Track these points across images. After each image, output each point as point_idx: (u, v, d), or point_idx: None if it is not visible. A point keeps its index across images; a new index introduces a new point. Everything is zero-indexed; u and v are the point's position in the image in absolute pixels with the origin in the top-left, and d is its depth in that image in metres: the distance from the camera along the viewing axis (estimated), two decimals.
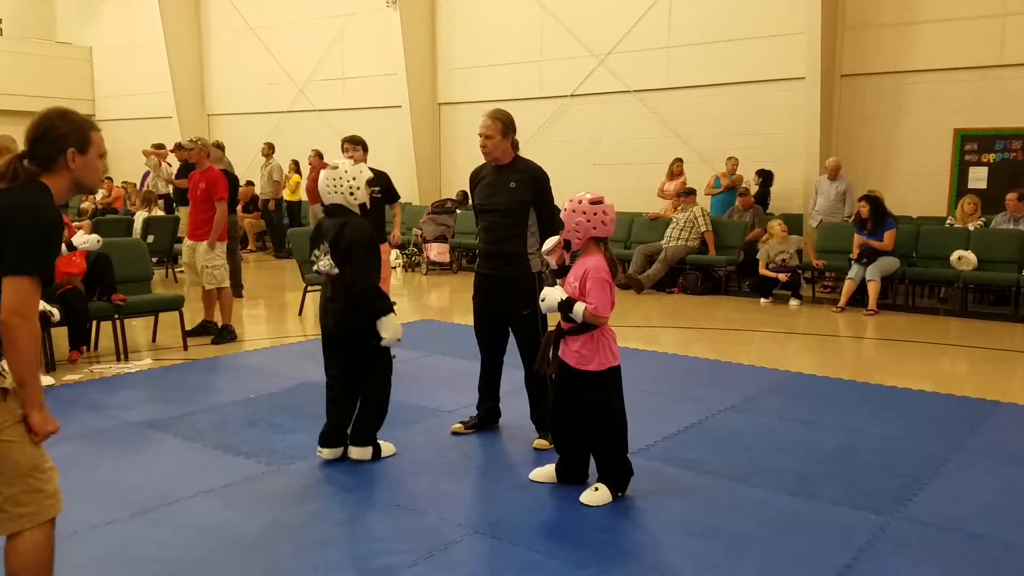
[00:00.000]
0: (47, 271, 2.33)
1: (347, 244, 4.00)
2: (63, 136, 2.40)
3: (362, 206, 4.17)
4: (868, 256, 8.94)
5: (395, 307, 4.14)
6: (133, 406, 5.23)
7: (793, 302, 9.45)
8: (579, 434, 3.73)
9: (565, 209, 3.62)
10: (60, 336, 6.50)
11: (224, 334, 7.32)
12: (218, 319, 7.44)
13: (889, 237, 8.95)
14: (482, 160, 4.57)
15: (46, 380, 5.60)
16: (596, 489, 3.65)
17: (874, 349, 7.50)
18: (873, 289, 8.80)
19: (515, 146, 4.49)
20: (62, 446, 4.37)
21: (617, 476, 3.66)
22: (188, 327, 7.19)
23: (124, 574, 3.05)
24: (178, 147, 11.16)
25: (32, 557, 2.35)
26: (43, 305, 5.66)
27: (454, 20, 14.35)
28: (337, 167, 4.15)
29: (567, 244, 3.69)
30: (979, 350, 7.21)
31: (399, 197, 6.84)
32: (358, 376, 4.15)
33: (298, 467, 4.14)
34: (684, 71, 12.11)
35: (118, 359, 6.52)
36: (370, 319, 4.01)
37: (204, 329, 7.45)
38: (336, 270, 4.06)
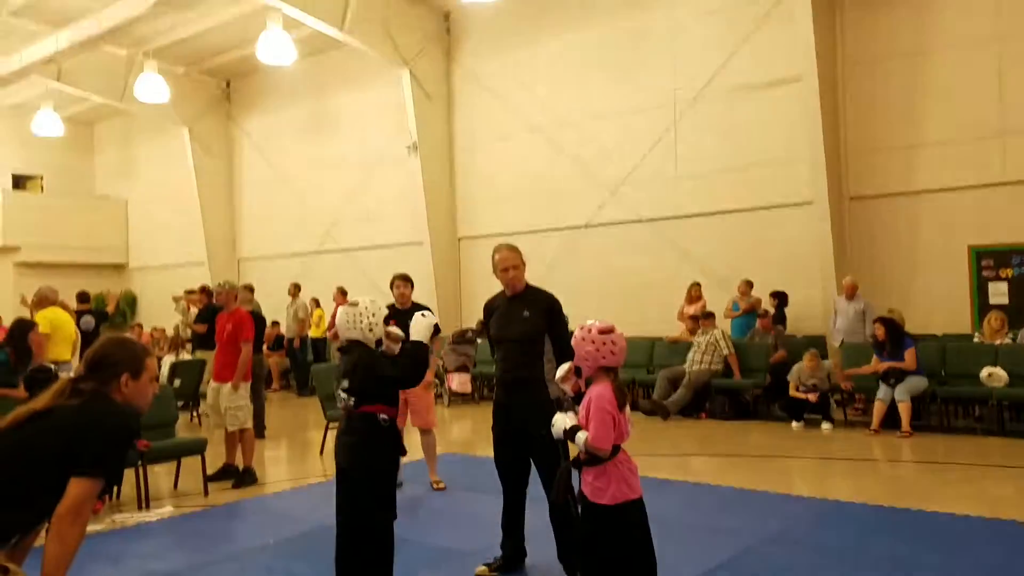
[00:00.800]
0: (113, 477, 2.45)
1: (366, 379, 4.02)
2: (118, 363, 2.60)
3: (378, 342, 4.21)
4: (895, 376, 8.80)
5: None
6: (154, 556, 5.15)
7: (825, 425, 9.24)
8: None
9: (575, 337, 3.63)
10: None
11: (245, 477, 7.26)
12: (239, 462, 7.40)
13: (910, 356, 8.83)
14: (498, 290, 4.67)
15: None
16: None
17: (913, 473, 7.24)
18: (904, 410, 8.60)
19: None
20: None
21: None
22: (209, 471, 7.14)
23: None
24: (202, 291, 11.52)
25: None
26: None
27: (471, 161, 14.98)
28: (356, 303, 4.22)
29: (578, 371, 3.69)
30: (1022, 470, 6.93)
31: (440, 331, 6.97)
32: (368, 520, 4.03)
33: None
34: (693, 199, 12.41)
35: (139, 507, 6.45)
36: (381, 453, 3.94)
37: (226, 473, 7.40)
38: (352, 400, 4.06)
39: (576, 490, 3.58)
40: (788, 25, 11.19)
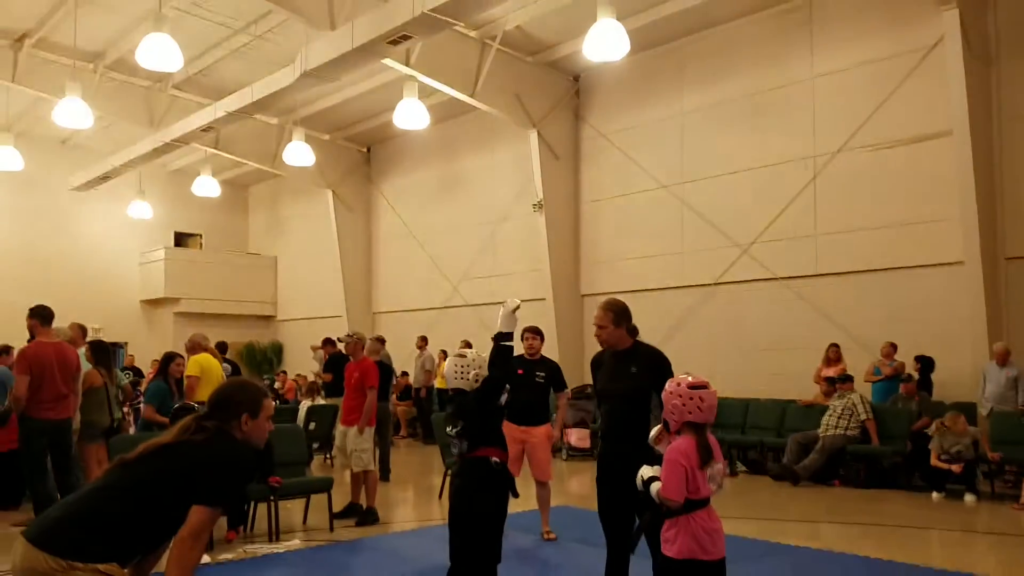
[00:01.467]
0: (230, 503, 2.72)
1: (467, 410, 4.25)
2: (239, 403, 2.86)
3: None
4: None
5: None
6: None
7: (969, 497, 8.57)
8: None
9: (665, 390, 3.61)
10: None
11: (368, 516, 7.55)
12: (363, 501, 7.71)
13: None
14: None
15: (203, 559, 5.96)
16: None
17: None
18: None
19: (632, 332, 4.63)
20: None
21: None
22: (336, 509, 7.48)
23: None
24: (325, 343, 12.19)
25: None
26: None
27: (597, 218, 15.15)
28: (464, 355, 4.43)
29: (667, 425, 3.68)
30: None
31: (566, 387, 7.14)
32: (473, 561, 4.14)
33: None
34: (833, 258, 11.98)
35: (270, 539, 6.84)
36: (489, 495, 4.04)
37: (351, 511, 7.72)
38: (465, 444, 4.23)
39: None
40: (939, 77, 10.69)
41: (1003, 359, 9.72)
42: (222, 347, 12.59)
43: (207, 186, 19.05)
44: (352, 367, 8.10)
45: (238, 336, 22.22)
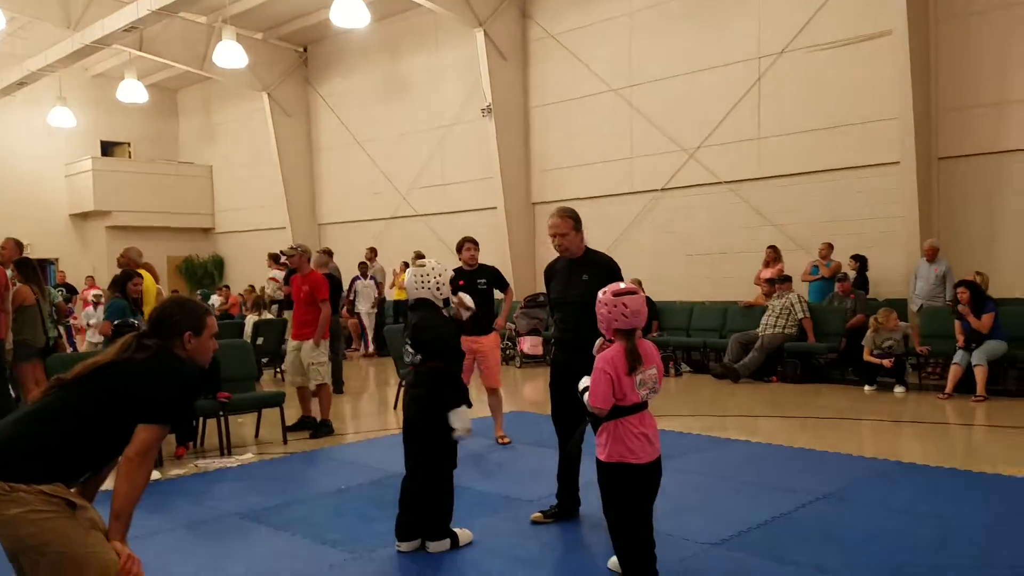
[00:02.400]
0: (178, 423, 2.74)
1: (427, 338, 4.24)
2: (178, 323, 2.78)
3: (446, 301, 4.40)
4: (975, 342, 8.51)
5: (468, 399, 4.25)
6: (231, 498, 5.50)
7: (898, 389, 9.05)
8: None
9: (597, 299, 3.64)
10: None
11: (322, 429, 7.62)
12: (316, 414, 7.76)
13: (987, 319, 8.51)
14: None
15: (153, 475, 5.96)
16: None
17: (984, 436, 7.06)
18: (980, 375, 8.33)
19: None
20: (162, 535, 4.66)
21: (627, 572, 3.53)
22: (289, 423, 7.52)
23: None
24: (270, 257, 11.92)
25: None
26: None
27: (547, 123, 14.94)
28: (424, 265, 4.40)
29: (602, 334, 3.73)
30: None
31: (509, 285, 7.28)
32: (430, 467, 4.24)
33: (379, 555, 4.24)
34: (776, 160, 12.12)
35: (222, 454, 6.87)
36: (444, 408, 4.13)
37: (304, 424, 7.77)
38: (419, 357, 4.26)
39: None
40: None
41: (932, 256, 10.09)
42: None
43: (133, 91, 18.13)
44: (299, 280, 7.97)
45: (176, 250, 21.70)
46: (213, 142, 22.20)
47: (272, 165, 19.15)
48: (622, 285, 3.63)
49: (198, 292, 18.14)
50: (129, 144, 22.70)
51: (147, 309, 8.47)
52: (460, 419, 4.12)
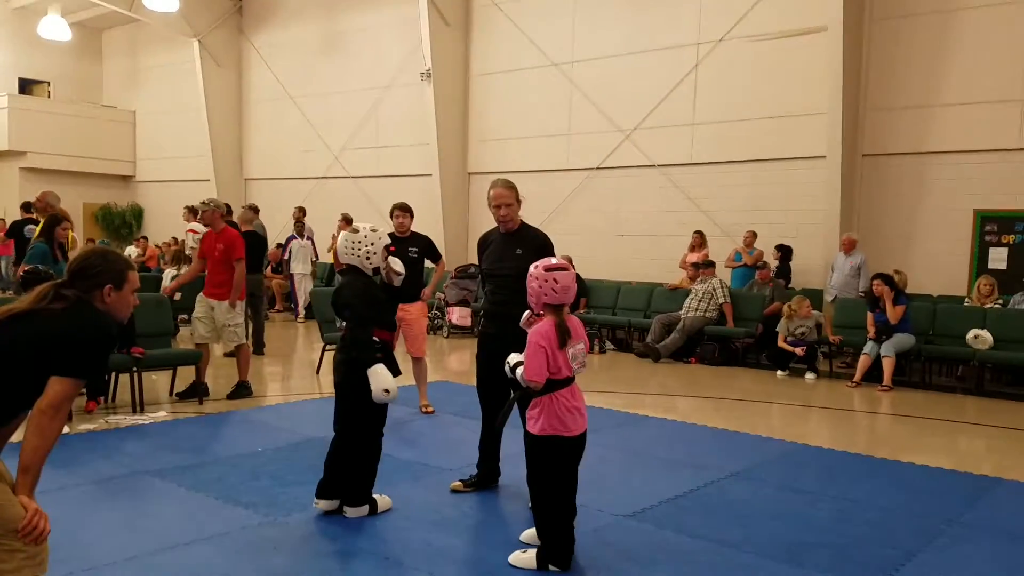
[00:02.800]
0: (92, 376, 2.61)
1: (345, 301, 4.17)
2: (99, 274, 2.66)
3: (375, 270, 4.30)
4: (885, 334, 8.92)
5: (381, 359, 4.09)
6: (143, 456, 5.36)
7: (809, 376, 9.42)
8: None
9: (528, 273, 3.67)
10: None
11: (240, 390, 7.46)
12: (210, 380, 7.54)
13: (898, 311, 8.91)
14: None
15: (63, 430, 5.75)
16: (525, 552, 3.64)
17: (888, 424, 7.42)
18: (888, 365, 8.74)
19: None
20: (71, 491, 4.53)
21: (547, 547, 3.59)
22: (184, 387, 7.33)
23: None
24: (188, 210, 11.51)
25: None
26: None
27: (486, 93, 14.84)
28: (358, 230, 4.30)
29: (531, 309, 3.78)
30: (996, 428, 7.10)
31: (441, 257, 7.20)
32: (354, 432, 4.22)
33: (295, 519, 4.21)
34: (708, 148, 12.35)
35: (134, 411, 6.68)
36: (363, 370, 4.09)
37: (194, 391, 7.32)
38: (349, 321, 4.22)
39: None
40: None
41: (849, 248, 10.49)
42: (27, 206, 11.16)
43: (55, 28, 17.21)
44: (213, 238, 7.55)
45: (94, 196, 20.81)
46: (138, 87, 21.26)
47: (199, 115, 18.48)
48: (553, 261, 3.66)
49: (100, 242, 17.33)
50: (49, 83, 21.54)
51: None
52: (377, 381, 4.01)
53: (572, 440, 3.56)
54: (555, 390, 3.54)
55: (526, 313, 3.86)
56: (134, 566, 3.57)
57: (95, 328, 2.59)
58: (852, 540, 4.08)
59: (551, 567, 3.55)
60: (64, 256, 7.14)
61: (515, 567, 3.58)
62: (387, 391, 4.02)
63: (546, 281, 3.56)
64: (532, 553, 3.60)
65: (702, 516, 4.40)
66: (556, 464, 3.57)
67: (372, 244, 4.24)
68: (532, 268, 3.63)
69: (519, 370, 3.59)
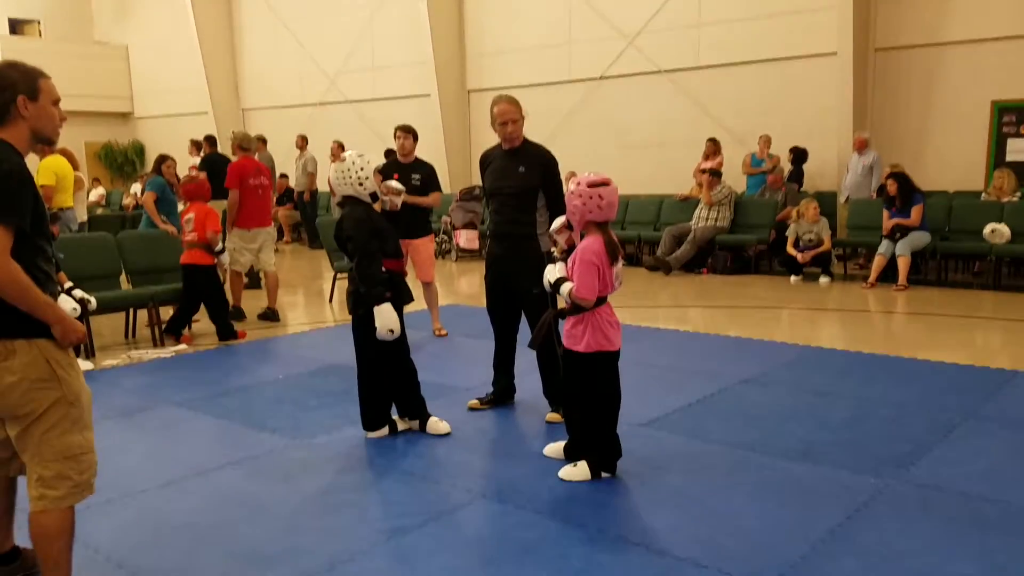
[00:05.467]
0: (14, 219, 2.33)
1: (347, 235, 4.12)
2: (11, 84, 2.47)
3: (373, 196, 4.22)
4: (900, 232, 8.84)
5: (389, 297, 4.09)
6: (168, 388, 5.47)
7: (823, 279, 9.40)
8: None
9: (567, 189, 3.65)
10: (96, 324, 6.80)
11: (270, 314, 7.83)
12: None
13: (916, 212, 8.84)
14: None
15: (85, 365, 5.87)
16: (575, 465, 3.71)
17: (903, 323, 7.43)
18: (903, 264, 8.70)
19: None
20: (100, 424, 4.61)
21: (599, 456, 3.68)
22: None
23: (153, 538, 3.24)
24: (195, 144, 11.50)
25: (54, 532, 2.51)
26: (79, 292, 5.93)
27: (482, 6, 14.41)
28: (344, 159, 4.22)
29: (570, 225, 3.76)
30: (1013, 322, 7.10)
31: (439, 189, 6.95)
32: (369, 360, 4.26)
33: (319, 441, 4.32)
34: (715, 49, 12.01)
35: (155, 345, 6.79)
36: (371, 306, 4.07)
37: (237, 313, 7.73)
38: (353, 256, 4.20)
39: (560, 336, 3.75)
40: None
41: (861, 147, 10.31)
42: None
43: None
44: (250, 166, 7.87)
45: (94, 135, 20.64)
46: (128, 20, 20.76)
47: (191, 45, 18.08)
48: (594, 176, 3.57)
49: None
50: (39, 22, 21.07)
51: (65, 195, 8.13)
52: (381, 320, 4.01)
53: (615, 353, 3.63)
54: (597, 307, 3.57)
55: (560, 220, 3.82)
56: (169, 491, 3.69)
57: (3, 168, 2.36)
58: (867, 437, 4.15)
59: (603, 474, 3.66)
60: None
61: (567, 480, 3.65)
62: (391, 331, 4.03)
63: (591, 198, 3.50)
64: (582, 465, 3.68)
65: (716, 421, 4.47)
66: (605, 377, 3.63)
67: (362, 169, 4.12)
68: (574, 185, 3.57)
69: (565, 287, 3.58)
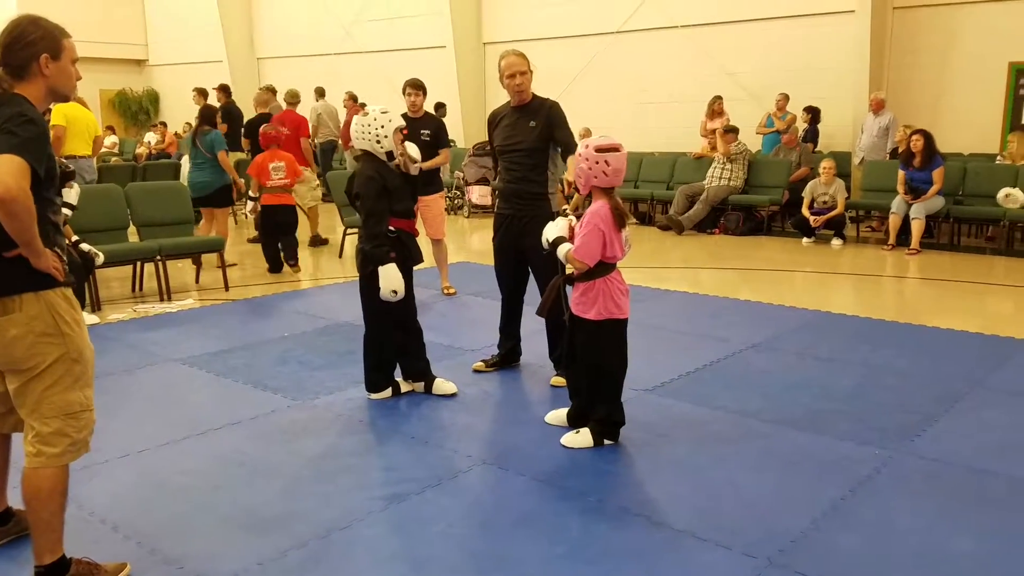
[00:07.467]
0: (31, 159, 2.30)
1: (357, 191, 4.07)
2: (35, 42, 2.43)
3: (389, 155, 4.14)
4: (915, 194, 8.68)
5: (394, 257, 4.05)
6: (172, 343, 5.48)
7: (836, 242, 9.28)
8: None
9: (577, 152, 3.56)
10: (103, 276, 6.80)
11: (319, 240, 9.54)
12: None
13: (938, 176, 8.66)
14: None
15: (91, 319, 5.89)
16: (578, 432, 3.69)
17: (914, 288, 7.34)
18: (917, 228, 8.57)
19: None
20: (102, 380, 4.63)
21: (603, 424, 3.65)
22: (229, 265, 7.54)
23: (152, 498, 3.25)
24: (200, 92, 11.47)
25: (47, 491, 2.49)
26: (85, 246, 5.90)
27: None
28: (368, 113, 4.15)
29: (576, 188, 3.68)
30: None
31: (448, 145, 6.86)
32: (372, 321, 4.23)
33: (322, 402, 4.32)
34: (732, 6, 11.74)
35: (161, 299, 6.80)
36: (375, 265, 4.04)
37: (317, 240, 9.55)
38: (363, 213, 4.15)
39: (568, 302, 3.70)
40: None
41: (878, 107, 10.09)
42: None
43: None
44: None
45: (108, 83, 20.51)
46: None
47: None
48: (604, 140, 3.48)
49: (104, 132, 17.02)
50: None
51: (78, 142, 8.06)
52: (385, 281, 3.99)
53: (624, 321, 3.59)
54: (608, 273, 3.52)
55: (559, 221, 3.76)
56: (168, 451, 3.70)
57: (17, 114, 2.33)
58: (872, 406, 4.10)
59: (606, 441, 3.65)
60: None
61: (569, 447, 3.62)
62: (395, 292, 4.00)
63: (596, 163, 3.42)
64: (585, 432, 3.66)
65: (721, 388, 4.43)
66: (613, 345, 3.59)
67: (383, 127, 4.07)
68: (582, 147, 3.49)
69: (562, 248, 3.51)
